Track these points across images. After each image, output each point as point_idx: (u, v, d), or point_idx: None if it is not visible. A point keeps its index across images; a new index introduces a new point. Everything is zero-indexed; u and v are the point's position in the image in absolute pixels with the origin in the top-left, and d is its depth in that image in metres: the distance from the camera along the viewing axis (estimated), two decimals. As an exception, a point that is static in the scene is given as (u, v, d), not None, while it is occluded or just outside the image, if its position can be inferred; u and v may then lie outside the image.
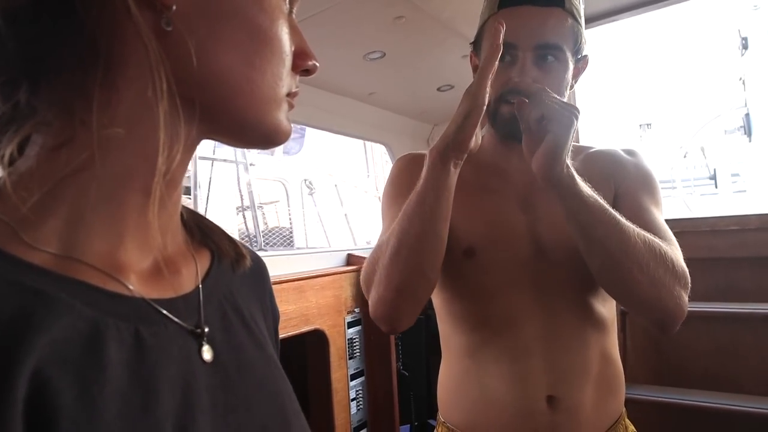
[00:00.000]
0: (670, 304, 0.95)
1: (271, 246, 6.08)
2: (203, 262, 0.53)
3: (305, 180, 6.51)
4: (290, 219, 6.48)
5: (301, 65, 0.50)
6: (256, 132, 0.48)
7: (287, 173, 6.48)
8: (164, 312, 0.44)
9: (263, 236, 6.08)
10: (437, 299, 1.15)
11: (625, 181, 1.11)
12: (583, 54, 1.08)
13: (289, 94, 0.49)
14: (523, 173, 1.11)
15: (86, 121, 0.39)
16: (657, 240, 0.97)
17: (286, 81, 0.48)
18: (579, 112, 0.88)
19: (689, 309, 1.12)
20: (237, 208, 5.92)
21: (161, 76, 0.40)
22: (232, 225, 5.57)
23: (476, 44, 1.13)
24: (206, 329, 0.47)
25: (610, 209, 0.94)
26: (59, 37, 0.39)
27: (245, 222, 5.95)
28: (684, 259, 1.06)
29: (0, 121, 0.41)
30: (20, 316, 0.34)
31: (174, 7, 0.40)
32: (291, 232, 6.42)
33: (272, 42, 0.46)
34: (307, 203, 6.53)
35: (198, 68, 0.42)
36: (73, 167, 0.39)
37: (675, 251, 1.00)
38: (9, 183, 0.39)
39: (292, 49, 0.49)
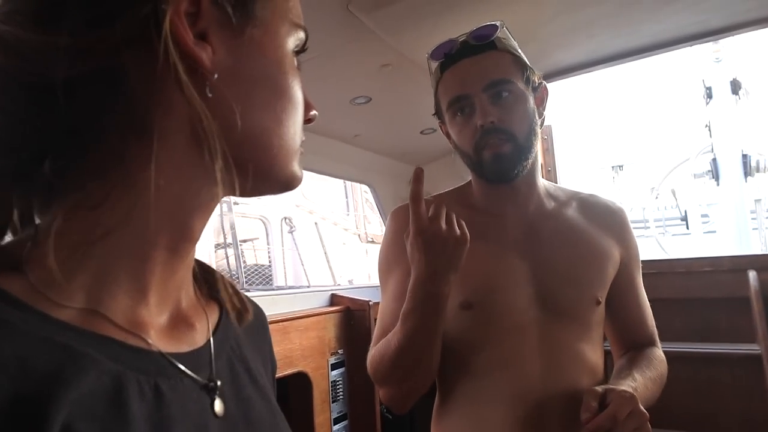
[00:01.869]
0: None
1: (250, 284, 6.02)
2: (213, 315, 0.54)
3: (285, 218, 6.50)
4: (269, 257, 6.43)
5: (307, 116, 0.53)
6: (278, 182, 0.51)
7: (268, 211, 6.47)
8: (180, 366, 0.45)
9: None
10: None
11: (628, 254, 1.16)
12: (539, 83, 1.12)
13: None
14: (518, 217, 1.11)
15: (125, 185, 0.41)
16: (663, 368, 1.10)
17: (300, 132, 0.52)
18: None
19: (668, 350, 1.17)
20: (216, 246, 5.87)
21: (215, 139, 0.42)
22: (211, 263, 5.51)
23: (438, 113, 1.17)
24: (218, 383, 0.48)
25: (649, 384, 1.03)
26: (104, 107, 0.40)
27: (227, 259, 5.90)
28: (661, 300, 1.12)
29: (36, 185, 0.42)
30: (51, 371, 0.35)
31: (216, 75, 0.43)
32: (270, 270, 6.37)
33: (293, 99, 0.49)
34: (287, 241, 6.51)
35: (238, 129, 0.44)
36: (106, 228, 0.41)
37: (662, 356, 1.14)
38: (37, 244, 0.40)
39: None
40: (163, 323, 0.47)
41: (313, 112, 0.55)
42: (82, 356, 0.37)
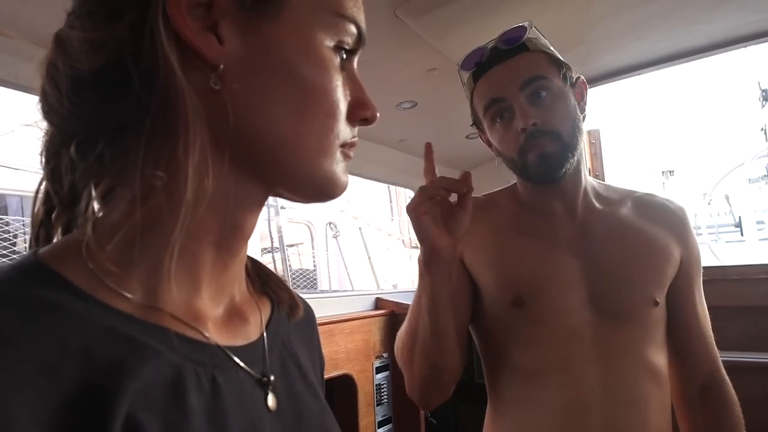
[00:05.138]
0: None
1: (296, 288, 6.10)
2: (265, 310, 0.56)
3: (329, 223, 6.58)
4: (314, 261, 6.52)
5: (359, 115, 0.49)
6: (309, 184, 0.47)
7: (313, 216, 6.56)
8: (236, 360, 0.46)
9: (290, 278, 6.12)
10: (486, 348, 1.11)
11: (688, 255, 1.10)
12: (576, 77, 1.07)
13: (345, 145, 0.49)
14: (568, 216, 1.08)
15: (154, 178, 0.41)
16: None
17: (341, 131, 0.47)
18: None
19: (721, 359, 1.12)
20: (262, 250, 5.98)
21: (195, 133, 0.40)
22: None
23: (476, 123, 1.14)
24: (272, 377, 0.49)
25: None
26: (120, 102, 0.41)
27: (274, 263, 6.00)
28: (714, 308, 1.07)
29: (82, 176, 0.44)
30: (116, 361, 0.36)
31: (221, 67, 0.41)
32: (315, 275, 6.45)
33: (320, 94, 0.45)
34: (332, 246, 6.58)
35: (246, 122, 0.42)
36: (152, 221, 0.41)
37: (735, 399, 1.12)
38: (96, 234, 0.40)
39: (348, 99, 0.48)
40: (219, 316, 0.48)
41: (370, 113, 0.50)
42: (144, 347, 0.38)
